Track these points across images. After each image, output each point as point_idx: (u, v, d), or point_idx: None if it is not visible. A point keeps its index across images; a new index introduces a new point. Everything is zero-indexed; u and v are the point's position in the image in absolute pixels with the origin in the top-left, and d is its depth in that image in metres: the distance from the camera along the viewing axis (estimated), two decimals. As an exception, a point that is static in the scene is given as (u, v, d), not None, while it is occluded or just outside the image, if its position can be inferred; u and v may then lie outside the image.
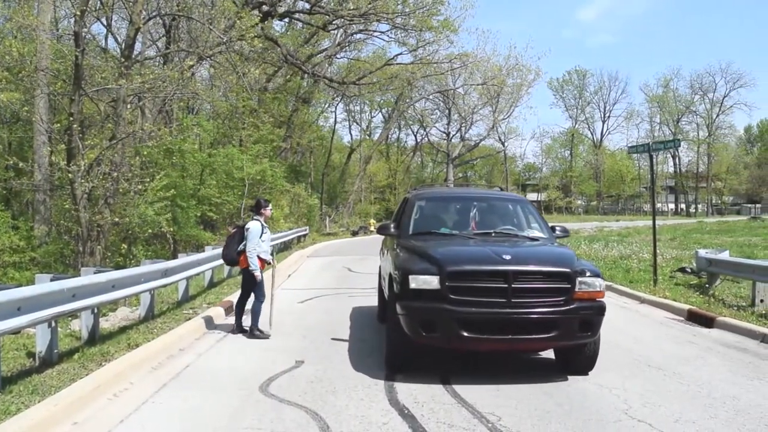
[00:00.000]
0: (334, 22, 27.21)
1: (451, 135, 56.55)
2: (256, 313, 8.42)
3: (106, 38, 24.51)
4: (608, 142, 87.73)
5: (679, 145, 64.61)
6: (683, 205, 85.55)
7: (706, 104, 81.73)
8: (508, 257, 6.06)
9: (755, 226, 36.73)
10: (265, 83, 29.35)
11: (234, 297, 11.27)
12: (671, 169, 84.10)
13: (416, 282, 5.93)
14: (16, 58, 15.10)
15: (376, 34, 29.77)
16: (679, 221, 52.09)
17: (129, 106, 15.77)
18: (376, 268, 10.16)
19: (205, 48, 17.04)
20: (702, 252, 12.85)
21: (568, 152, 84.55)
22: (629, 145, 71.20)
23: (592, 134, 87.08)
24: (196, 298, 11.25)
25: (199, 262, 11.47)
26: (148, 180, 16.35)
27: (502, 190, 10.53)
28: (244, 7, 19.99)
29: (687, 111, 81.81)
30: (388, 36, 29.24)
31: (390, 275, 6.78)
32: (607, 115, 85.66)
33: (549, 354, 7.00)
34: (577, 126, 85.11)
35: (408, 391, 5.75)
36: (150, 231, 16.23)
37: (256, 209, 8.76)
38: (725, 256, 12.42)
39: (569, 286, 5.97)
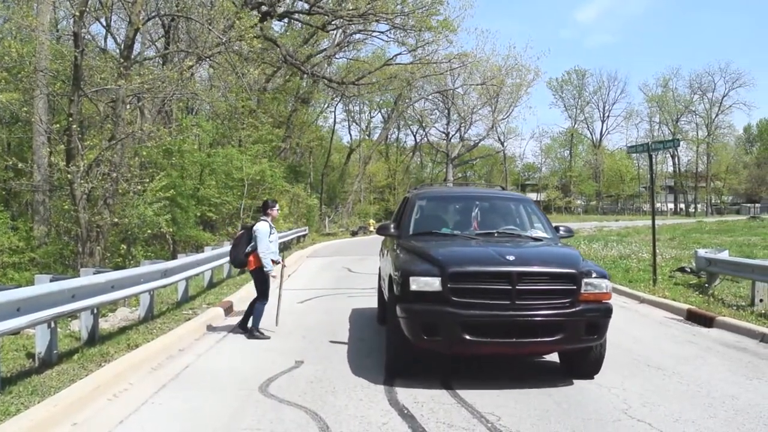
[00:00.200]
0: (333, 23, 27.19)
1: (450, 135, 56.54)
2: (257, 315, 8.41)
3: (105, 39, 24.51)
4: (607, 142, 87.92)
5: (679, 145, 64.59)
6: (682, 205, 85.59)
7: (706, 104, 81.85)
8: (511, 258, 5.92)
9: (754, 225, 36.73)
10: (264, 83, 29.34)
11: (233, 297, 11.32)
12: (670, 169, 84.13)
13: (417, 284, 5.79)
14: (16, 58, 15.11)
15: (375, 34, 29.76)
16: (679, 221, 52.09)
17: (128, 107, 15.76)
18: (375, 269, 10.16)
19: (205, 48, 17.03)
20: (701, 252, 12.86)
21: (568, 152, 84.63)
22: (628, 144, 71.18)
23: (591, 134, 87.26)
24: (196, 298, 11.25)
25: (198, 263, 11.47)
26: (148, 180, 16.35)
27: (503, 189, 10.36)
28: (243, 7, 19.96)
29: (686, 111, 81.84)
30: (387, 36, 29.24)
31: (390, 277, 6.63)
32: (607, 114, 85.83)
33: (549, 355, 7.00)
34: (576, 126, 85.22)
35: (407, 391, 5.75)
36: (149, 231, 16.23)
37: (264, 209, 8.77)
38: (724, 255, 12.43)
39: (575, 287, 5.84)
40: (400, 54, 34.58)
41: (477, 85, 47.01)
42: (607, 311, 5.98)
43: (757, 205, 77.69)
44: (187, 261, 10.83)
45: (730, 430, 4.91)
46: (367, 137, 61.04)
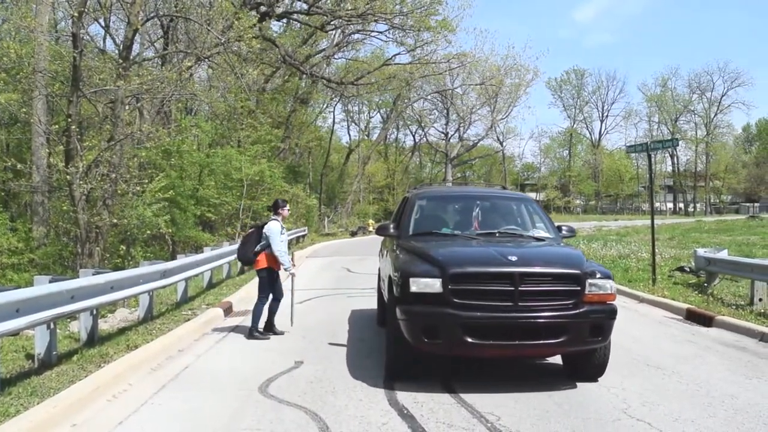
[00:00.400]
0: (331, 23, 27.18)
1: (449, 135, 56.53)
2: (256, 315, 8.40)
3: (104, 39, 24.53)
4: (606, 142, 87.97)
5: (678, 145, 64.53)
6: (682, 205, 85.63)
7: (704, 103, 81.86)
8: (513, 258, 5.81)
9: (753, 225, 36.76)
10: (263, 84, 29.34)
11: (233, 298, 11.33)
12: (669, 169, 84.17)
13: (417, 285, 5.69)
14: (14, 59, 15.10)
15: (374, 34, 29.74)
16: (678, 220, 52.13)
17: (127, 108, 15.76)
18: (375, 269, 10.15)
19: (203, 49, 17.03)
20: (700, 251, 12.88)
21: (567, 152, 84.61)
22: (627, 144, 71.09)
23: (590, 134, 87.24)
24: (195, 299, 11.25)
25: (197, 263, 11.48)
26: (147, 181, 16.35)
27: (504, 188, 10.20)
28: (241, 7, 19.97)
29: (685, 110, 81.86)
30: (386, 36, 29.22)
31: (389, 278, 6.51)
32: (606, 114, 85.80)
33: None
34: (575, 126, 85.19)
35: (407, 391, 5.74)
36: (148, 232, 16.22)
37: (274, 209, 8.76)
38: (724, 255, 12.43)
39: (579, 288, 5.72)
40: (398, 54, 34.57)
41: (476, 85, 47.03)
42: (612, 312, 5.87)
43: (756, 204, 77.74)
44: (186, 261, 10.83)
45: (730, 430, 4.91)
46: (366, 137, 61.06)
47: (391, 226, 7.64)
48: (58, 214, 16.27)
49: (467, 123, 54.53)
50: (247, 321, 9.35)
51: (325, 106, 50.22)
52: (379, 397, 5.64)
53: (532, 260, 6.01)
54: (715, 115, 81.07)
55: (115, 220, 14.08)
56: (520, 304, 5.60)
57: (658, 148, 14.89)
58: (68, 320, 8.25)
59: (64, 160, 13.55)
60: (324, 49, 34.20)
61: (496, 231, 7.07)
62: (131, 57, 16.16)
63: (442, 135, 57.47)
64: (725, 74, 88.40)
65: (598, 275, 5.88)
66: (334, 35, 32.27)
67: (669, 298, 11.31)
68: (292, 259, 8.96)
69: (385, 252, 8.05)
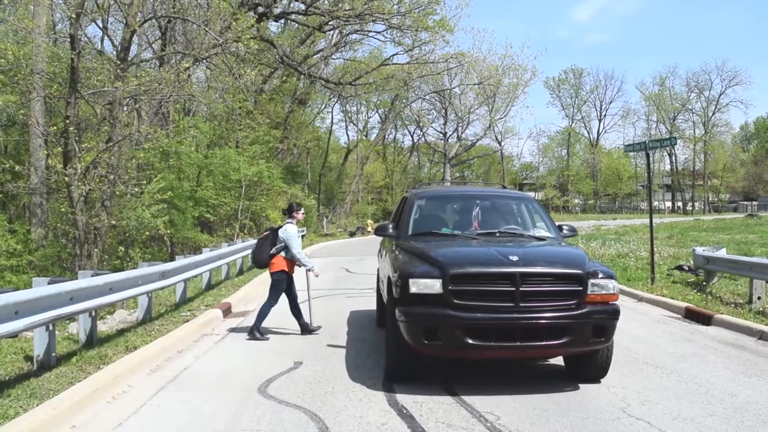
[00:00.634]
0: (329, 23, 27.16)
1: (447, 135, 56.52)
2: (262, 315, 8.39)
3: (101, 41, 24.44)
4: (605, 141, 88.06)
5: (676, 143, 64.20)
6: (680, 203, 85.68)
7: (702, 102, 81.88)
8: (514, 258, 5.73)
9: (752, 223, 36.82)
10: (261, 84, 29.33)
11: (232, 299, 11.33)
12: (668, 167, 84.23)
13: (417, 286, 5.61)
14: (12, 61, 15.06)
15: (371, 34, 29.70)
16: (676, 219, 52.19)
17: (125, 109, 15.75)
18: (374, 269, 10.15)
19: (201, 50, 17.00)
20: (699, 250, 12.89)
21: (565, 151, 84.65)
22: (626, 143, 71.15)
23: (588, 133, 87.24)
24: (194, 300, 11.24)
25: (196, 264, 11.46)
26: (145, 182, 16.33)
27: (504, 188, 10.10)
28: (239, 8, 19.96)
29: (683, 109, 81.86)
30: (383, 36, 29.22)
31: (389, 278, 6.43)
32: (604, 113, 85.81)
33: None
34: (573, 125, 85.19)
35: (406, 391, 5.74)
36: (147, 233, 16.21)
37: (289, 212, 8.76)
38: (722, 253, 12.46)
39: (581, 288, 5.66)
40: (396, 54, 34.50)
41: (474, 84, 47.04)
42: (615, 313, 5.80)
43: (754, 202, 77.89)
44: (185, 263, 10.82)
45: (729, 428, 4.91)
46: (364, 138, 61.03)
47: (390, 226, 7.57)
48: (56, 215, 16.25)
49: (465, 123, 54.61)
50: (246, 322, 9.36)
51: (323, 107, 50.24)
52: (378, 397, 5.63)
53: (534, 260, 5.93)
54: (713, 113, 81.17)
55: (113, 222, 14.06)
56: (521, 304, 5.54)
57: (656, 147, 14.88)
58: (67, 322, 8.25)
59: (63, 161, 13.53)
60: (322, 50, 34.19)
61: (496, 231, 7.00)
62: (129, 58, 16.15)
63: (441, 135, 57.51)
64: (723, 73, 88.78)
65: (601, 275, 5.81)
66: (332, 35, 32.28)
67: (668, 297, 11.32)
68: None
69: (384, 252, 7.98)
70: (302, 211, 9.01)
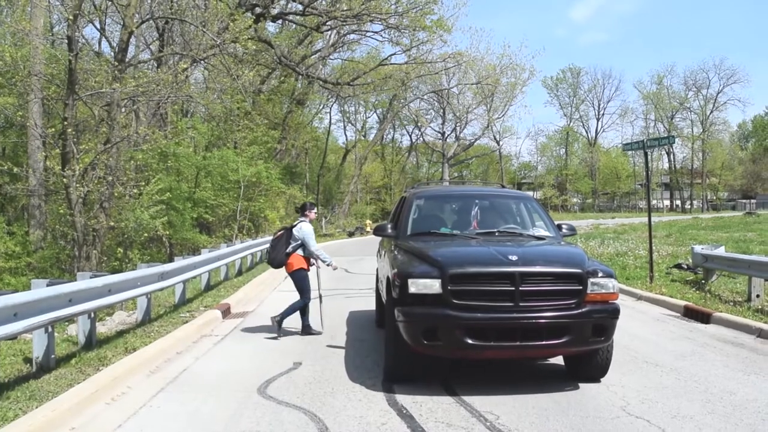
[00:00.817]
0: (327, 23, 27.17)
1: (446, 135, 56.63)
2: (290, 310, 8.48)
3: (99, 42, 24.43)
4: (603, 140, 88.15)
5: (674, 142, 64.14)
6: (678, 202, 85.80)
7: (700, 101, 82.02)
8: (514, 258, 5.71)
9: (750, 221, 36.82)
10: (259, 85, 29.33)
11: (231, 299, 11.31)
12: (666, 166, 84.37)
13: (416, 286, 5.59)
14: (9, 63, 15.07)
15: (369, 34, 29.70)
16: (675, 218, 52.23)
17: (123, 110, 15.73)
18: (373, 269, 10.15)
19: (199, 51, 17.00)
20: (698, 248, 12.90)
21: (563, 150, 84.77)
22: (624, 142, 71.15)
23: (586, 132, 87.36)
24: (193, 301, 11.23)
25: (195, 265, 11.45)
26: (144, 184, 16.32)
27: (503, 187, 10.05)
28: (237, 9, 19.96)
29: (681, 108, 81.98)
30: (381, 36, 29.17)
31: (388, 279, 6.39)
32: (602, 112, 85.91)
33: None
34: (571, 124, 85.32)
35: (406, 391, 5.74)
36: (146, 235, 16.21)
37: (302, 211, 8.88)
38: (721, 251, 12.47)
39: (581, 287, 5.63)
40: (394, 54, 34.54)
41: (472, 84, 47.08)
42: (615, 312, 5.78)
43: (752, 200, 77.95)
44: (184, 264, 10.80)
45: (729, 426, 4.92)
46: (362, 138, 61.03)
47: (389, 226, 7.56)
48: (55, 217, 16.24)
49: (464, 122, 54.72)
50: (245, 323, 9.38)
51: (321, 107, 50.30)
52: (378, 397, 5.63)
53: (533, 259, 5.92)
54: (711, 112, 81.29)
55: (112, 223, 14.05)
56: (521, 304, 5.52)
57: (654, 145, 14.91)
58: (66, 324, 8.24)
59: (61, 163, 13.52)
60: (320, 50, 34.22)
61: (495, 230, 6.96)
62: (127, 59, 16.13)
63: (439, 135, 57.64)
64: (721, 71, 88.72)
65: (600, 274, 5.79)
66: (330, 36, 32.32)
67: (667, 295, 11.33)
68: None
69: (383, 252, 7.96)
70: (315, 209, 9.08)
